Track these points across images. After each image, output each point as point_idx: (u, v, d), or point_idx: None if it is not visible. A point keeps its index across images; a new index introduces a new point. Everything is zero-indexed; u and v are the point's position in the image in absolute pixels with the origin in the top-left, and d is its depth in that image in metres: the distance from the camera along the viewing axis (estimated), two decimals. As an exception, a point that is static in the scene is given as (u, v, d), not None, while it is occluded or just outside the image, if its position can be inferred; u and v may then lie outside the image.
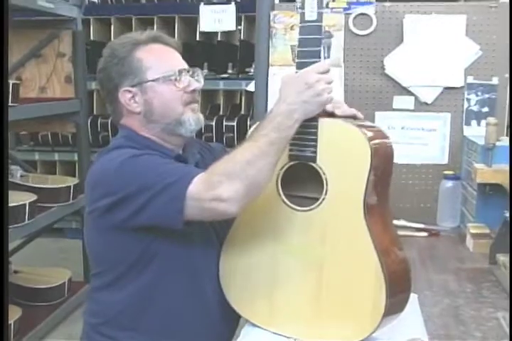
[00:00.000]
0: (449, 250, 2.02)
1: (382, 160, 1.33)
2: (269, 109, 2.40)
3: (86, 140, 3.82)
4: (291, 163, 1.38)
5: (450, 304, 1.55)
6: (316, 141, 1.34)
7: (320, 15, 1.36)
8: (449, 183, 2.25)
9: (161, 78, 1.50)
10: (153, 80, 1.50)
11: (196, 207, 1.33)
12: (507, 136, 2.32)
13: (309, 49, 1.37)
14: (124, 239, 1.44)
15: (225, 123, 4.43)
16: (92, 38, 4.60)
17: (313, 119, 1.34)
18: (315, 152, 1.34)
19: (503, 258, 1.75)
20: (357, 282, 1.31)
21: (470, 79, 2.31)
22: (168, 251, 1.47)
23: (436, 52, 2.31)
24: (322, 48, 2.34)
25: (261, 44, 2.41)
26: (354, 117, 1.41)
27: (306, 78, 1.32)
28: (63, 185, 3.33)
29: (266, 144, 1.30)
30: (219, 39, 4.50)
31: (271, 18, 2.38)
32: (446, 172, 2.27)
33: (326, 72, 1.35)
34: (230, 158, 1.33)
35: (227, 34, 4.51)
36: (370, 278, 1.28)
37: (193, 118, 1.53)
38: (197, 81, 1.54)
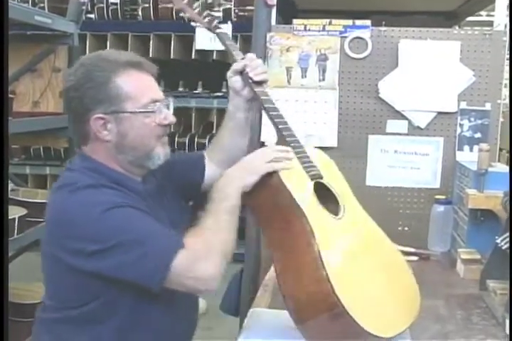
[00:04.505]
0: (439, 275, 2.02)
1: None
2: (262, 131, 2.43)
3: (78, 155, 3.79)
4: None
5: (440, 330, 1.55)
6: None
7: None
8: (441, 208, 2.25)
9: (142, 112, 1.42)
10: (132, 112, 1.41)
11: (176, 282, 1.32)
12: (499, 161, 2.33)
13: None
14: (84, 281, 1.38)
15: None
16: (87, 53, 4.59)
17: None
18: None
19: (493, 284, 1.75)
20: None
21: (463, 105, 2.33)
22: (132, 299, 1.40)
23: (430, 77, 2.33)
24: (318, 71, 2.37)
25: (257, 65, 2.42)
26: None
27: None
28: (53, 200, 3.31)
29: (226, 213, 1.37)
30: (214, 58, 4.52)
31: (267, 39, 2.39)
32: (437, 196, 2.28)
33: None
34: (205, 234, 1.35)
35: (222, 53, 4.51)
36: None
37: (163, 153, 1.47)
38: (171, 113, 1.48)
